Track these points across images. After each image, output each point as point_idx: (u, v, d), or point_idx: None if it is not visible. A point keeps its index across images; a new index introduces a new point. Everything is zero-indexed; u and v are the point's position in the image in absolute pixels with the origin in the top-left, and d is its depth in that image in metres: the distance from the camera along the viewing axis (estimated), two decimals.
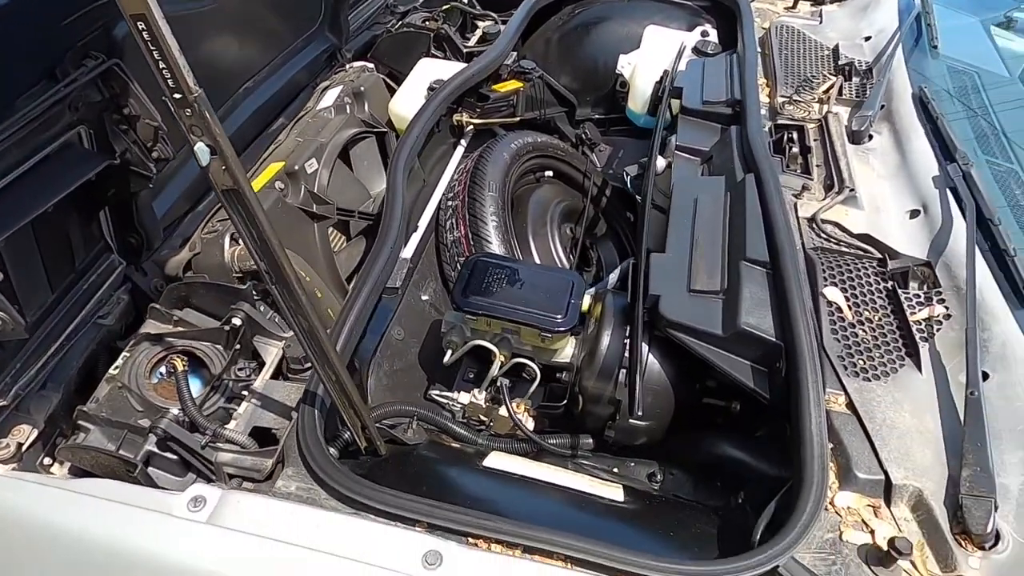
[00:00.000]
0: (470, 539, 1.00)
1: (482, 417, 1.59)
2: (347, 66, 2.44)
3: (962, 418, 1.10)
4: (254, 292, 1.62)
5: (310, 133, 2.04)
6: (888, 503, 1.05)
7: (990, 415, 1.09)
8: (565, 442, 1.50)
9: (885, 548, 0.97)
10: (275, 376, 1.41)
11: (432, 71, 2.24)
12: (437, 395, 1.59)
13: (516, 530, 1.00)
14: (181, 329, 1.48)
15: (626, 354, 1.43)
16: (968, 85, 1.93)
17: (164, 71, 0.72)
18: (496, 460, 1.27)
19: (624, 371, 1.42)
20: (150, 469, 1.25)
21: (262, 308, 1.51)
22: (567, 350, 1.58)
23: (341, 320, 1.34)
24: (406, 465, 1.24)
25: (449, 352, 1.56)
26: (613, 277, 1.77)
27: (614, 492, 1.24)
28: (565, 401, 1.57)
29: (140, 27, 0.68)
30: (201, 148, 0.79)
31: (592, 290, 1.67)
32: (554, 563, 0.98)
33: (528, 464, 1.29)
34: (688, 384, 1.45)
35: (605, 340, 1.46)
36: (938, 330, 1.27)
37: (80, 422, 1.28)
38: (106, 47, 1.39)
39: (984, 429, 1.06)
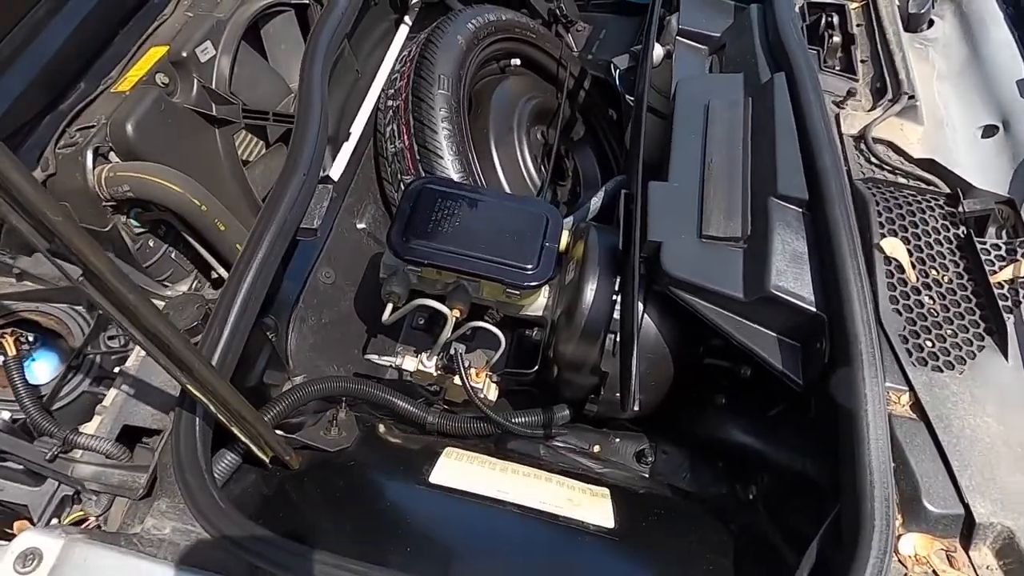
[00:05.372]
0: None
1: (431, 385, 1.29)
2: None
3: None
4: (122, 233, 1.24)
5: (204, 6, 1.56)
6: (967, 547, 0.80)
7: None
8: (536, 420, 1.21)
9: None
10: None
11: None
12: (376, 360, 1.27)
13: None
14: (25, 286, 1.11)
15: (615, 315, 1.12)
16: None
17: None
18: (447, 468, 0.98)
19: (611, 336, 1.12)
20: None
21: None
22: (539, 300, 1.26)
23: (234, 282, 0.97)
24: (328, 481, 0.94)
25: (389, 308, 1.23)
26: (595, 202, 1.42)
27: (599, 507, 0.96)
28: (536, 368, 1.26)
29: None
30: None
31: (570, 220, 1.32)
32: None
33: (488, 472, 1.00)
34: (690, 347, 1.17)
35: (588, 294, 1.14)
36: None
37: None
38: None
39: None
